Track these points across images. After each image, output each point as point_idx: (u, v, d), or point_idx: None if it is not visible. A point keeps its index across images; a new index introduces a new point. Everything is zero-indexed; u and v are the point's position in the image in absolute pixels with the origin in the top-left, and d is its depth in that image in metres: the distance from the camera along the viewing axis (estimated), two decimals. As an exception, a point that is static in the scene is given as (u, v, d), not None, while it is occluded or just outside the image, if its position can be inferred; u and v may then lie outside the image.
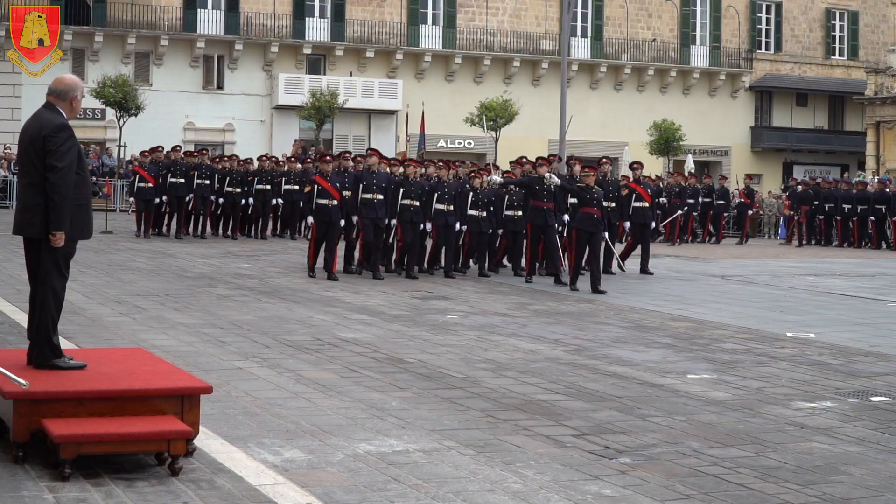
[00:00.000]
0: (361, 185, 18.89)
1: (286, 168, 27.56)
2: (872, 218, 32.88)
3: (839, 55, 55.13)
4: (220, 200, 26.65)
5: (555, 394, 9.32)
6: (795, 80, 53.37)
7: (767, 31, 53.56)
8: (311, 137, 42.54)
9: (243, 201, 26.82)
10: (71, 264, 7.34)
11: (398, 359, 10.80)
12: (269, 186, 26.87)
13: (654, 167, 42.25)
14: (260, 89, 45.10)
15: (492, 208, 19.74)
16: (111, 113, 38.66)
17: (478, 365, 10.63)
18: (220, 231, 27.12)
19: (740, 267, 24.00)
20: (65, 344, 7.87)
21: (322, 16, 45.80)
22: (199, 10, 44.05)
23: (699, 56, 51.68)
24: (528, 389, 9.46)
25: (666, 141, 43.15)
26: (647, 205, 21.62)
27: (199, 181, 26.09)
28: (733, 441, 7.86)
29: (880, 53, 53.49)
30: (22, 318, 11.43)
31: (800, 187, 35.19)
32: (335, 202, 18.46)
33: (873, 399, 9.58)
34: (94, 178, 34.45)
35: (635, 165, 22.89)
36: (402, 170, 19.77)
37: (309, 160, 28.94)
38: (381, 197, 18.78)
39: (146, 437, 6.36)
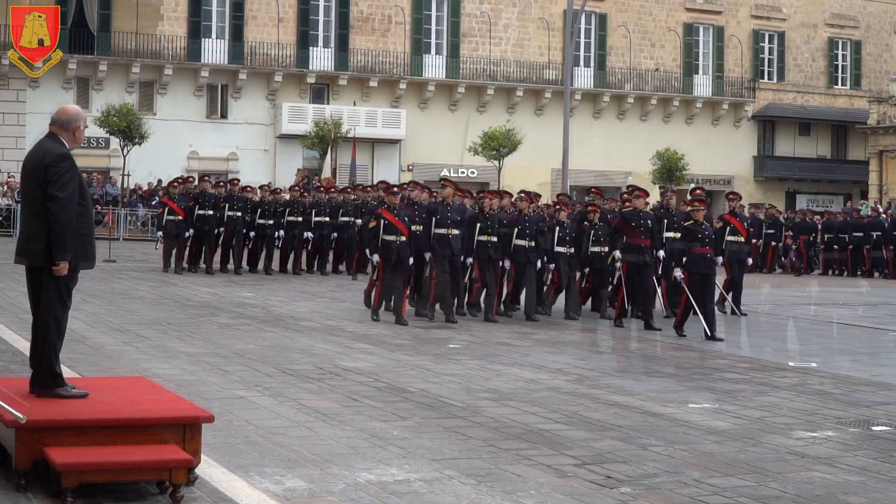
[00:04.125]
0: (434, 220, 17.21)
1: (314, 199, 26.02)
2: (893, 246, 32.91)
3: (842, 84, 55.22)
4: (252, 234, 25.10)
5: (556, 423, 9.32)
6: (798, 109, 53.48)
7: (770, 60, 53.69)
8: (315, 166, 42.63)
9: (276, 234, 25.07)
10: (74, 293, 7.37)
11: (400, 388, 10.80)
12: (300, 219, 25.14)
13: (657, 196, 42.23)
14: (264, 118, 45.21)
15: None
16: (115, 141, 38.80)
17: (479, 394, 10.63)
18: (246, 264, 25.38)
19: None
20: (67, 372, 7.89)
21: (326, 45, 45.99)
22: (203, 39, 44.23)
23: (702, 85, 51.81)
24: (529, 419, 9.47)
25: (669, 170, 43.23)
26: (742, 239, 19.71)
27: (230, 213, 24.42)
28: (734, 470, 7.86)
29: (883, 83, 53.56)
30: (24, 347, 11.45)
31: (820, 217, 35.30)
32: (403, 238, 16.60)
33: (874, 428, 9.59)
34: (97, 207, 34.47)
35: (732, 196, 21.26)
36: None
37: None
38: (456, 232, 17.14)
39: (148, 465, 6.38)
